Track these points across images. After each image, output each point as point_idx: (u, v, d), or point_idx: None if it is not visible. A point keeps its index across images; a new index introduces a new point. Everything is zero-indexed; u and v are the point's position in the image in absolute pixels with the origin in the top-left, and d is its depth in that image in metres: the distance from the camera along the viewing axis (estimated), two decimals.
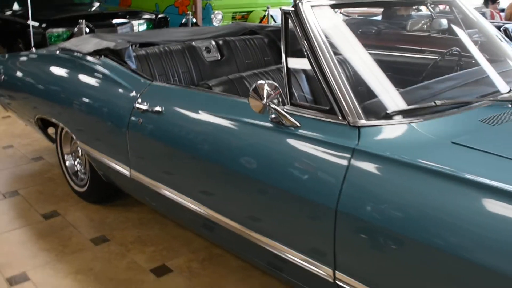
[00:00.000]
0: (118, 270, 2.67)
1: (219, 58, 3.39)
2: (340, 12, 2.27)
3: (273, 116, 1.88)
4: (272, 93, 1.79)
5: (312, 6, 1.90)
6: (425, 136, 1.66)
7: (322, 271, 1.77)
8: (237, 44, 3.51)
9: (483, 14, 6.93)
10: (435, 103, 1.79)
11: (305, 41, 1.85)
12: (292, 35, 1.93)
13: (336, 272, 1.72)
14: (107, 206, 3.37)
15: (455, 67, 2.49)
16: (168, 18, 7.03)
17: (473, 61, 2.43)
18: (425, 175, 1.50)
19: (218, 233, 2.34)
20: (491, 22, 5.67)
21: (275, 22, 7.62)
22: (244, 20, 8.04)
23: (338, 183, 1.63)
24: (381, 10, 4.37)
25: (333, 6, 2.06)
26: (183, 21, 6.68)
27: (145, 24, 6.64)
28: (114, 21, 6.44)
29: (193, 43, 3.35)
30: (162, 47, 3.20)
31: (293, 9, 1.89)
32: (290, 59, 1.91)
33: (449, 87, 2.08)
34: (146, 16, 6.86)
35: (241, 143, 2.03)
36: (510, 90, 2.09)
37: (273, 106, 1.81)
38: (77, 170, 3.49)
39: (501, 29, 5.14)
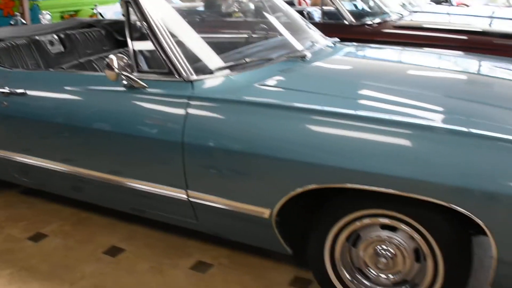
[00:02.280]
0: None
1: (62, 50, 3.76)
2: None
3: (125, 82, 2.38)
4: (122, 63, 2.31)
5: None
6: (240, 82, 2.33)
7: (178, 193, 2.34)
8: (78, 36, 3.91)
9: (292, 1, 7.96)
10: (245, 60, 2.47)
11: (144, 22, 2.37)
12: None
13: (188, 191, 2.31)
14: None
15: (264, 39, 3.19)
16: None
17: (277, 34, 3.18)
18: (240, 105, 2.18)
19: (87, 190, 2.80)
20: (297, 8, 6.61)
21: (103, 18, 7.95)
22: None
23: (181, 121, 2.22)
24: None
25: None
26: (12, 22, 6.75)
27: None
28: None
29: (37, 37, 3.68)
30: (9, 42, 3.48)
31: None
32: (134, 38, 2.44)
33: (257, 51, 2.79)
34: None
35: (101, 107, 2.51)
36: (302, 50, 2.84)
37: (124, 73, 2.32)
38: None
39: (305, 12, 6.09)
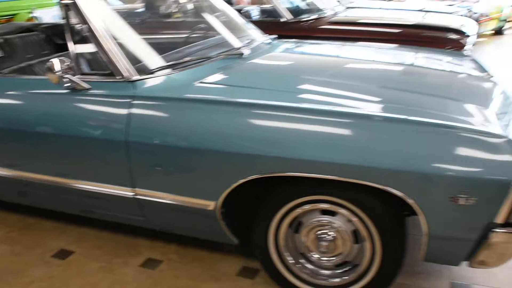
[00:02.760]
0: None
1: (1, 55, 3.72)
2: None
3: (67, 85, 2.41)
4: (64, 66, 2.33)
5: None
6: (180, 81, 2.41)
7: (124, 191, 2.39)
8: (16, 41, 3.86)
9: (230, 0, 8.06)
10: (185, 60, 2.54)
11: (84, 24, 2.40)
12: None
13: (134, 189, 2.36)
14: None
15: (203, 38, 3.27)
16: None
17: (216, 33, 3.26)
18: (180, 102, 2.25)
19: (34, 194, 2.79)
20: (236, 7, 6.71)
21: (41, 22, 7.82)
22: None
23: (125, 120, 2.27)
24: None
25: None
26: None
27: None
28: None
29: None
30: None
31: (72, 1, 2.43)
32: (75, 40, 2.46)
33: (196, 50, 2.86)
34: None
35: (44, 110, 2.52)
36: (239, 48, 2.93)
37: (67, 76, 2.35)
38: None
39: (242, 11, 6.19)
